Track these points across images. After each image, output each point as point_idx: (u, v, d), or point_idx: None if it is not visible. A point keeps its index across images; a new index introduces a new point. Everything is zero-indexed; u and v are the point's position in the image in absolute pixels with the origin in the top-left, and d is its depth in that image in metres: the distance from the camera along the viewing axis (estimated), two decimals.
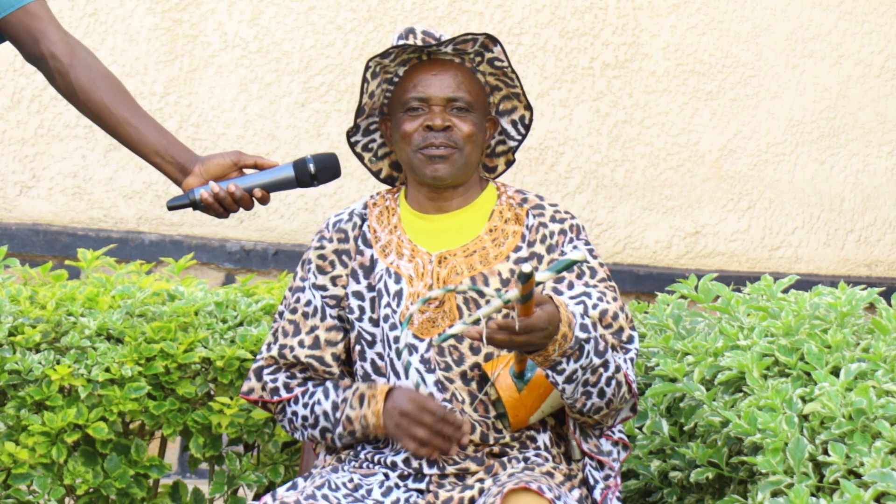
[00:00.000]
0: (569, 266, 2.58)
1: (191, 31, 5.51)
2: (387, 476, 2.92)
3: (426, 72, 2.97)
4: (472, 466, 2.88)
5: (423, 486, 2.88)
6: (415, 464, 2.90)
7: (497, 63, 3.01)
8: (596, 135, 5.94)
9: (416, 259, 2.96)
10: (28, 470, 3.35)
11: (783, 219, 6.18)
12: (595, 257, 2.97)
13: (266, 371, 3.04)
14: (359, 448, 2.99)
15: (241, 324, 3.50)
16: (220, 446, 3.47)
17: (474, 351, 2.92)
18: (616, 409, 2.88)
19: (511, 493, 2.70)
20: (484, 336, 2.60)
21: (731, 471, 3.04)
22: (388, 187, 3.11)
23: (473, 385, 2.91)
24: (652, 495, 3.25)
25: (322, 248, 3.04)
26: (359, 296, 2.99)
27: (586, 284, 2.92)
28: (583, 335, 2.74)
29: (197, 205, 3.03)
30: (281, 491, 2.85)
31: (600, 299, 2.90)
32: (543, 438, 2.93)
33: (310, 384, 3.02)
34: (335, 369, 3.02)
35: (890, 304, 3.32)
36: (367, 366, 2.98)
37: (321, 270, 3.03)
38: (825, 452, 2.79)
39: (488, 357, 2.92)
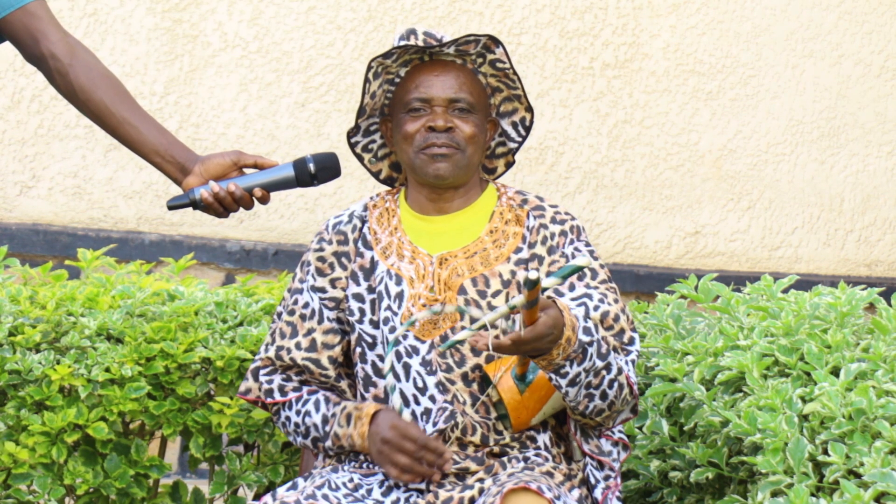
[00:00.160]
0: (574, 272, 2.59)
1: (191, 31, 5.51)
2: (387, 476, 2.92)
3: (428, 72, 2.97)
4: (472, 466, 2.88)
5: (422, 485, 2.88)
6: None
7: (499, 64, 3.01)
8: (596, 135, 5.94)
9: (416, 261, 2.96)
10: (28, 470, 3.35)
11: (783, 219, 6.18)
12: (595, 259, 2.97)
13: (262, 372, 3.04)
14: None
15: (241, 324, 3.50)
16: (220, 446, 3.47)
17: (475, 353, 2.91)
18: (617, 410, 2.88)
19: (511, 493, 2.70)
20: (490, 344, 2.61)
21: (731, 471, 3.04)
22: (388, 188, 3.11)
23: (475, 386, 2.91)
24: (652, 495, 3.25)
25: (321, 250, 3.04)
26: (359, 298, 2.99)
27: (587, 286, 2.92)
28: (586, 338, 2.73)
29: (197, 204, 3.03)
30: (281, 491, 2.85)
31: (601, 301, 2.90)
32: (543, 438, 2.93)
33: (304, 389, 3.02)
34: (331, 372, 3.01)
35: (890, 304, 3.32)
36: (368, 368, 2.98)
37: (320, 272, 3.03)
38: (825, 452, 2.79)
39: (490, 359, 2.91)
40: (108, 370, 3.34)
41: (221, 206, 3.03)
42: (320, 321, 3.01)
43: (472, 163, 2.98)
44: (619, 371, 2.83)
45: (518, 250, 2.97)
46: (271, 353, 3.03)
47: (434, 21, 5.70)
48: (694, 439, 3.15)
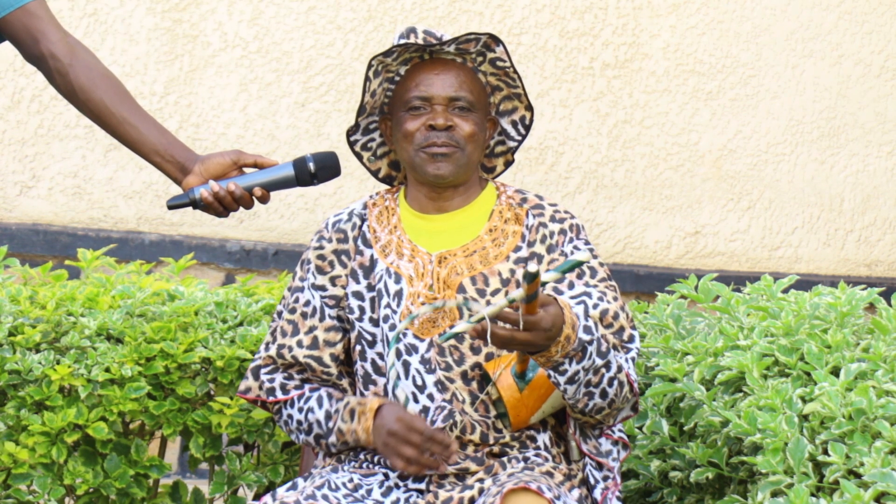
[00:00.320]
0: (574, 267, 2.58)
1: (191, 31, 5.51)
2: (387, 476, 2.92)
3: (428, 71, 2.97)
4: (472, 466, 2.88)
5: (422, 486, 2.88)
6: None
7: (499, 63, 3.01)
8: (596, 135, 5.94)
9: (416, 259, 2.96)
10: (28, 470, 3.35)
11: (783, 219, 6.18)
12: (595, 257, 2.97)
13: (263, 370, 3.04)
14: (358, 448, 2.99)
15: (241, 324, 3.50)
16: (220, 446, 3.47)
17: (475, 351, 2.91)
18: (618, 408, 2.88)
19: (511, 493, 2.70)
20: (489, 334, 2.60)
21: (731, 471, 3.04)
22: (388, 187, 3.11)
23: (474, 385, 2.91)
24: (652, 495, 3.25)
25: (321, 248, 3.04)
26: (359, 296, 2.99)
27: (587, 284, 2.92)
28: (586, 336, 2.73)
29: (197, 204, 3.03)
30: (281, 491, 2.85)
31: (601, 299, 2.90)
32: (543, 438, 2.93)
33: (306, 387, 3.02)
34: (333, 370, 3.01)
35: (890, 304, 3.32)
36: (368, 366, 2.98)
37: (320, 270, 3.03)
38: (825, 452, 2.79)
39: (489, 357, 2.91)
40: (108, 370, 3.33)
41: (221, 206, 3.03)
42: (321, 319, 3.01)
43: (472, 161, 2.98)
44: (619, 369, 2.83)
45: (517, 249, 2.97)
46: (272, 352, 3.03)
47: (434, 21, 5.70)
48: (694, 439, 3.15)
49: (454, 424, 2.88)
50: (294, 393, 3.01)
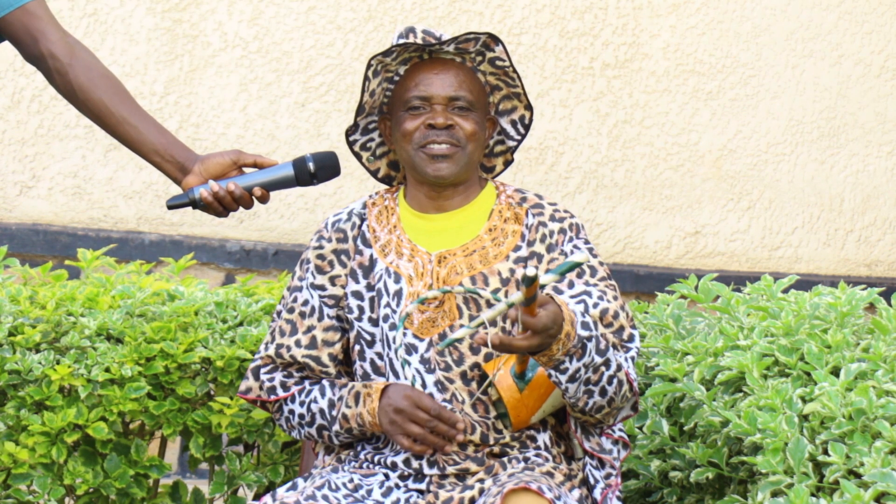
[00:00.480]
0: (572, 268, 2.59)
1: (191, 31, 5.51)
2: (387, 476, 2.92)
3: (428, 70, 2.97)
4: (473, 466, 2.88)
5: (423, 486, 2.88)
6: (415, 464, 2.90)
7: (498, 62, 3.01)
8: (596, 135, 5.94)
9: (415, 259, 2.96)
10: (28, 470, 3.35)
11: (783, 219, 6.18)
12: (595, 256, 2.97)
13: (263, 370, 3.04)
14: (359, 448, 2.99)
15: (241, 324, 3.50)
16: (220, 446, 3.47)
17: (474, 351, 2.91)
18: (617, 407, 2.88)
19: (511, 493, 2.70)
20: (489, 341, 2.60)
21: (731, 471, 3.04)
22: (387, 187, 3.11)
23: (473, 385, 2.91)
24: (652, 495, 3.25)
25: (321, 247, 3.04)
26: (358, 295, 2.99)
27: (586, 283, 2.92)
28: (585, 333, 2.74)
29: (196, 204, 3.03)
30: (281, 491, 2.85)
31: (601, 298, 2.90)
32: (543, 438, 2.93)
33: (306, 383, 3.02)
34: (332, 369, 3.01)
35: (890, 304, 3.32)
36: (367, 365, 2.98)
37: (320, 270, 3.03)
38: (825, 452, 2.79)
39: (488, 357, 2.91)
40: (108, 370, 3.33)
41: (221, 206, 3.03)
42: (320, 318, 3.01)
43: (473, 160, 2.98)
44: (619, 367, 2.83)
45: (517, 248, 2.96)
46: (271, 352, 3.03)
47: (434, 21, 5.70)
48: (694, 439, 3.15)
49: None
50: (294, 389, 3.01)
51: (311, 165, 3.05)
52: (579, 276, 2.93)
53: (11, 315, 3.41)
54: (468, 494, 2.82)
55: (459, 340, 2.81)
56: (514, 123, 3.08)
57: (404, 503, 2.88)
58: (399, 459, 2.91)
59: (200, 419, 3.40)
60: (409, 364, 2.89)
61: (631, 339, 2.91)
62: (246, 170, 3.08)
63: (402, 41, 2.95)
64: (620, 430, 2.98)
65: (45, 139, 5.39)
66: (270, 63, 5.58)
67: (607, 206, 5.96)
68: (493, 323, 2.87)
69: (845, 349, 3.08)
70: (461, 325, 2.90)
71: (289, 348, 3.01)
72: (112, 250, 5.21)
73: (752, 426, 2.86)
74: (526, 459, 2.90)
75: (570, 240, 2.98)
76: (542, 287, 2.60)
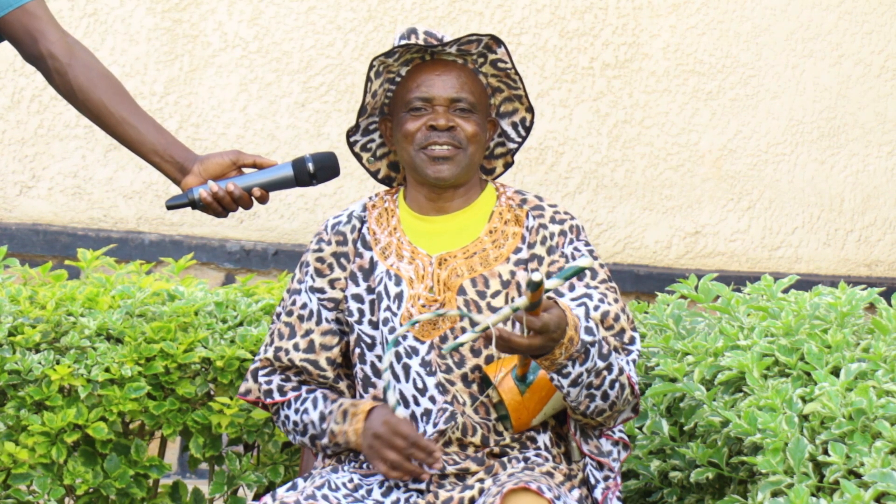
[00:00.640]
0: (577, 273, 2.59)
1: (191, 31, 5.51)
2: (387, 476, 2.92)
3: (430, 72, 2.97)
4: (473, 466, 2.88)
5: (422, 486, 2.88)
6: None
7: (500, 64, 3.01)
8: (596, 135, 5.94)
9: (416, 261, 2.96)
10: (28, 470, 3.34)
11: (783, 219, 6.18)
12: (595, 258, 2.97)
13: (261, 373, 3.04)
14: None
15: (241, 324, 3.50)
16: (220, 446, 3.47)
17: (475, 353, 2.91)
18: (618, 410, 2.88)
19: (510, 493, 2.70)
20: (494, 344, 2.61)
21: (731, 471, 3.04)
22: (387, 188, 3.11)
23: (474, 387, 2.91)
24: (652, 495, 3.25)
25: (320, 250, 3.04)
26: (358, 298, 2.99)
27: (587, 286, 2.92)
28: (588, 338, 2.73)
29: (196, 204, 3.03)
30: (281, 491, 2.85)
31: (601, 301, 2.90)
32: (543, 439, 2.93)
33: (303, 389, 3.02)
34: (329, 373, 3.01)
35: (890, 304, 3.32)
36: (367, 368, 2.98)
37: (319, 273, 3.03)
38: (825, 452, 2.79)
39: (489, 359, 2.91)
40: (107, 370, 3.33)
41: (220, 206, 3.03)
42: (318, 322, 3.01)
43: (473, 162, 2.98)
44: (621, 371, 2.83)
45: (517, 250, 2.96)
46: (270, 354, 3.03)
47: (434, 21, 5.70)
48: (694, 439, 3.15)
49: (455, 427, 2.88)
50: (291, 395, 3.01)
51: (310, 166, 3.04)
52: (580, 278, 2.93)
53: (11, 315, 3.41)
54: (468, 494, 2.82)
55: (463, 345, 2.81)
56: (514, 125, 3.08)
57: (404, 503, 2.88)
58: None
59: (200, 419, 3.40)
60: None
61: (632, 341, 2.91)
62: (245, 170, 3.08)
63: (403, 42, 2.95)
64: (620, 431, 2.98)
65: (44, 139, 5.39)
66: (270, 63, 5.58)
67: (607, 207, 5.96)
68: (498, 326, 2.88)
69: (845, 349, 3.08)
70: (463, 329, 2.90)
71: (287, 352, 3.01)
72: (112, 250, 5.21)
73: (752, 426, 2.85)
74: (526, 459, 2.90)
75: (571, 242, 2.97)
76: (547, 292, 2.60)
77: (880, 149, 6.29)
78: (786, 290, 3.43)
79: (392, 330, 2.93)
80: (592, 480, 2.91)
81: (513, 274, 2.94)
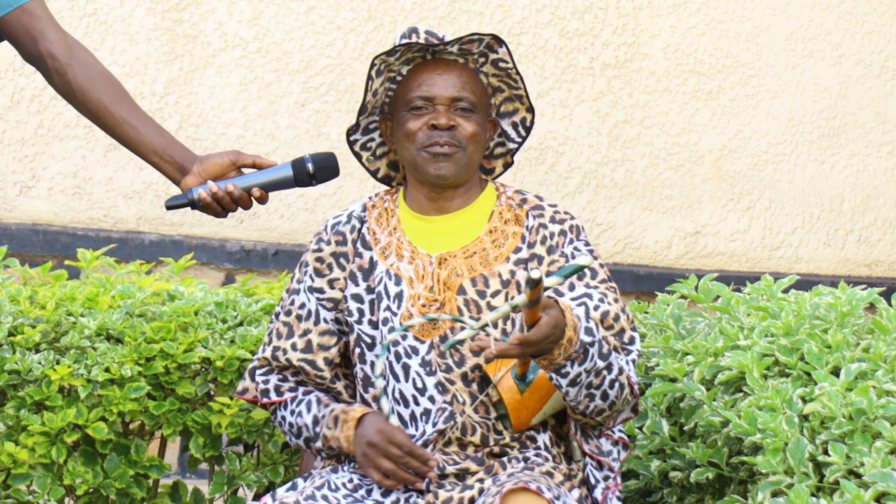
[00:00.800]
0: (576, 271, 2.59)
1: (191, 31, 5.51)
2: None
3: (431, 71, 2.97)
4: (472, 466, 2.88)
5: (423, 486, 2.88)
6: None
7: (501, 64, 3.01)
8: (596, 135, 5.94)
9: (416, 261, 2.96)
10: (28, 470, 3.34)
11: (783, 219, 6.18)
12: (595, 258, 2.97)
13: (259, 372, 3.04)
14: None
15: (241, 324, 3.50)
16: (219, 446, 3.46)
17: (475, 353, 2.91)
18: (618, 410, 2.88)
19: (510, 493, 2.70)
20: (493, 344, 2.60)
21: (731, 471, 3.03)
22: (387, 188, 3.11)
23: (474, 386, 2.91)
24: (652, 495, 3.25)
25: (320, 250, 3.04)
26: (358, 298, 2.99)
27: (587, 286, 2.92)
28: (587, 338, 2.73)
29: (195, 204, 3.03)
30: (281, 491, 2.85)
31: (601, 301, 2.90)
32: (543, 438, 2.93)
33: (300, 390, 3.02)
34: (327, 374, 3.01)
35: (890, 304, 3.32)
36: (367, 368, 2.98)
37: (318, 273, 3.03)
38: (825, 452, 2.79)
39: (489, 358, 2.91)
40: (107, 370, 3.33)
41: (220, 206, 3.03)
42: (316, 322, 3.01)
43: (473, 162, 2.98)
44: (620, 371, 2.82)
45: (517, 250, 2.96)
46: (268, 354, 3.03)
47: (434, 21, 5.70)
48: (694, 439, 3.15)
49: (455, 426, 2.88)
50: (287, 395, 3.01)
51: (309, 166, 3.04)
52: (580, 278, 2.93)
53: (11, 315, 3.41)
54: (468, 494, 2.82)
55: (462, 342, 2.80)
56: (515, 126, 3.08)
57: (404, 503, 2.87)
58: None
59: (200, 419, 3.40)
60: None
61: (632, 341, 2.91)
62: (245, 170, 3.08)
63: (405, 41, 2.95)
64: (620, 431, 2.98)
65: (44, 139, 5.39)
66: (270, 63, 5.58)
67: (607, 206, 5.96)
68: (496, 325, 2.88)
69: (845, 349, 3.07)
70: (463, 327, 2.90)
71: (285, 351, 3.01)
72: (112, 250, 5.21)
73: (752, 426, 2.85)
74: (526, 459, 2.90)
75: (571, 241, 2.97)
76: (546, 290, 2.60)
77: (880, 149, 6.29)
78: (786, 290, 3.43)
79: (392, 329, 2.93)
80: (592, 480, 2.91)
81: (513, 273, 2.93)
